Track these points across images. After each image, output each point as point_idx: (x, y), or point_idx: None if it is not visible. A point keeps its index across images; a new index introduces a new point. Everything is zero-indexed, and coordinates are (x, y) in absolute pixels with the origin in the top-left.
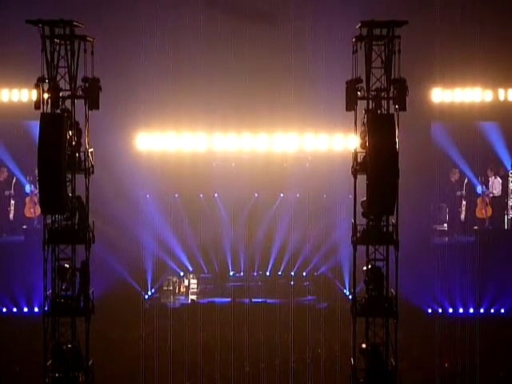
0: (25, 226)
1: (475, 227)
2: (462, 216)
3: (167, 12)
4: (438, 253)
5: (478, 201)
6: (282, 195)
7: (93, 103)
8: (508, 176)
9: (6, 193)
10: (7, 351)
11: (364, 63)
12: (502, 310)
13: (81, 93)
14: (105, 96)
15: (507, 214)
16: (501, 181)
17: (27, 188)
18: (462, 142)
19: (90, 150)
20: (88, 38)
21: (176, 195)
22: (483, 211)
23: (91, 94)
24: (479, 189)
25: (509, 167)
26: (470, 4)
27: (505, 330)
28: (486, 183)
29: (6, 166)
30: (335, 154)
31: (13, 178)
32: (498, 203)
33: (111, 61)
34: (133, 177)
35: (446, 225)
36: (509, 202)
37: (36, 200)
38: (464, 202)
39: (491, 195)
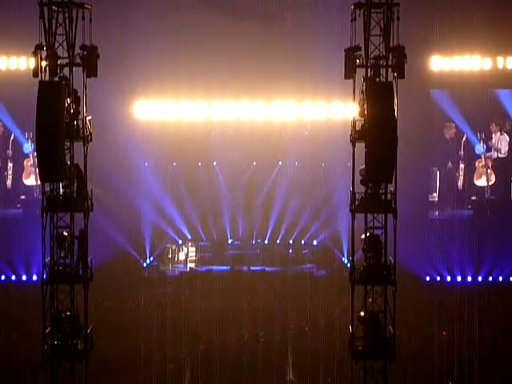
0: (23, 197)
1: (473, 198)
2: (460, 183)
3: None
4: (436, 223)
5: (477, 164)
6: (280, 163)
7: (91, 71)
8: None
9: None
10: (6, 318)
11: (362, 31)
12: (500, 278)
13: (79, 60)
14: (103, 64)
15: None
16: (508, 138)
17: (26, 147)
18: (461, 105)
19: (88, 118)
20: (86, 6)
21: (174, 164)
22: (483, 177)
23: (89, 62)
24: (479, 148)
25: None
26: None
27: (503, 297)
28: (488, 142)
29: (1, 120)
30: (334, 122)
31: (10, 135)
32: (504, 166)
33: (109, 29)
34: (131, 145)
35: (435, 195)
36: None
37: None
38: (462, 166)
39: (495, 156)
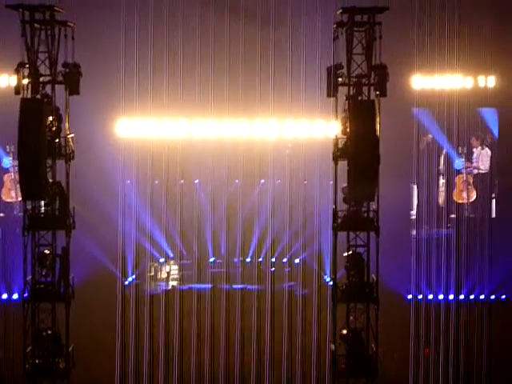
0: (2, 214)
1: (452, 215)
2: (441, 200)
3: None
4: (418, 241)
5: (457, 180)
6: (262, 181)
7: (73, 89)
8: (496, 145)
9: None
10: None
11: (345, 49)
12: (482, 296)
13: (61, 78)
14: (85, 82)
15: (496, 198)
16: (489, 152)
17: (6, 162)
18: (443, 123)
19: (70, 136)
20: (69, 24)
21: (156, 182)
22: (463, 194)
23: (71, 80)
24: (458, 163)
25: (496, 134)
26: None
27: (485, 316)
28: (469, 156)
29: None
30: (316, 140)
31: None
32: (484, 182)
33: (92, 46)
34: (113, 163)
35: (413, 212)
36: (497, 180)
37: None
38: (442, 181)
39: (475, 171)
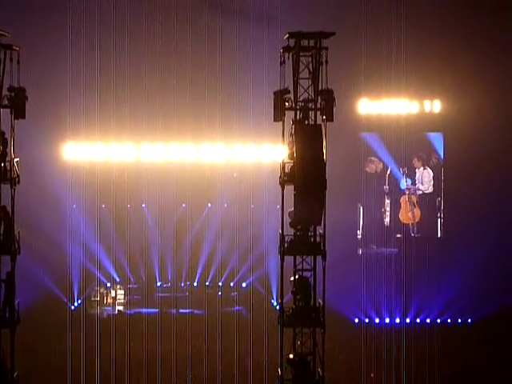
0: None
1: (398, 235)
2: (386, 219)
3: (92, 19)
4: (365, 262)
5: (402, 200)
6: (209, 205)
7: (19, 113)
8: (441, 166)
9: None
10: None
11: (291, 74)
12: (428, 320)
13: (6, 102)
14: (31, 106)
15: (441, 218)
16: (432, 173)
17: None
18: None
19: (15, 160)
20: (14, 48)
21: (103, 205)
22: (409, 214)
23: (17, 104)
24: (403, 183)
25: (442, 155)
26: (394, 17)
27: (430, 339)
28: (412, 177)
29: None
30: (263, 164)
31: None
32: (429, 203)
33: (37, 70)
34: (60, 187)
35: (359, 232)
36: (442, 200)
37: None
38: (387, 201)
39: (419, 192)
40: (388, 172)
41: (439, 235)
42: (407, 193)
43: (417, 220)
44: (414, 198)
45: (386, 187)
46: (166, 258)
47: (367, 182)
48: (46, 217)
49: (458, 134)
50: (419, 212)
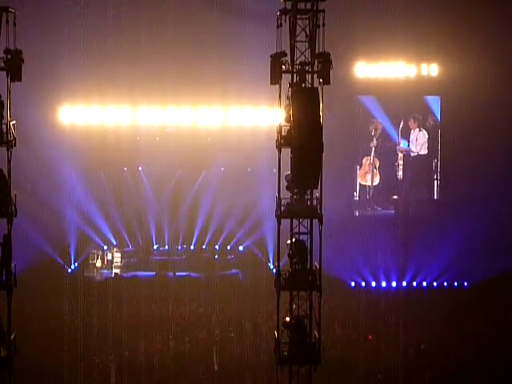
0: None
1: (394, 197)
2: (377, 179)
3: None
4: (362, 225)
5: (364, 162)
6: (204, 172)
7: (15, 75)
8: (438, 129)
9: None
10: None
11: (288, 37)
12: (424, 284)
13: (3, 64)
14: (27, 68)
15: (437, 180)
16: (427, 135)
17: None
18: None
19: (12, 123)
20: (10, 10)
21: (101, 172)
22: (367, 176)
23: (13, 66)
24: (405, 144)
25: (438, 117)
26: None
27: (427, 302)
28: (406, 136)
29: None
30: (260, 128)
31: None
32: (424, 164)
33: (34, 33)
34: (56, 150)
35: (355, 194)
36: (438, 163)
37: None
38: (368, 158)
39: (412, 154)
40: (379, 131)
41: (436, 197)
42: (371, 155)
43: (375, 183)
44: (376, 162)
45: (374, 142)
46: (163, 221)
47: (366, 141)
48: (43, 180)
49: (456, 97)
50: (378, 177)
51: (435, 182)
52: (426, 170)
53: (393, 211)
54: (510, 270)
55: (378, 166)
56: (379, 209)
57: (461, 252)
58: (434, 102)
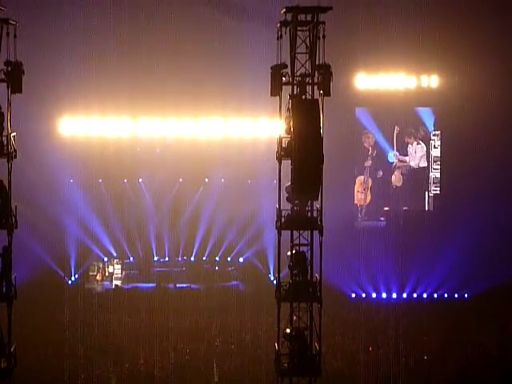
0: None
1: (386, 208)
2: (368, 199)
3: None
4: (362, 237)
5: (357, 181)
6: (206, 180)
7: (15, 87)
8: (430, 139)
9: None
10: None
11: (289, 49)
12: (425, 295)
13: (3, 76)
14: (28, 80)
15: (429, 191)
16: (425, 147)
17: None
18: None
19: (12, 134)
20: (11, 22)
21: (100, 180)
22: (359, 195)
23: (14, 78)
24: (391, 156)
25: (430, 128)
26: None
27: (427, 313)
28: (403, 150)
29: None
30: (260, 139)
31: None
32: (418, 176)
33: (35, 45)
34: (56, 161)
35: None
36: (431, 174)
37: None
38: (369, 179)
39: (408, 167)
40: (372, 144)
41: (432, 208)
42: (364, 175)
43: (366, 204)
44: (369, 182)
45: (369, 161)
46: (163, 232)
47: (363, 156)
48: (43, 191)
49: (455, 108)
50: (370, 197)
51: (427, 193)
52: (423, 181)
53: (383, 222)
54: (510, 280)
55: (369, 185)
56: (382, 219)
57: (461, 263)
58: (426, 114)
